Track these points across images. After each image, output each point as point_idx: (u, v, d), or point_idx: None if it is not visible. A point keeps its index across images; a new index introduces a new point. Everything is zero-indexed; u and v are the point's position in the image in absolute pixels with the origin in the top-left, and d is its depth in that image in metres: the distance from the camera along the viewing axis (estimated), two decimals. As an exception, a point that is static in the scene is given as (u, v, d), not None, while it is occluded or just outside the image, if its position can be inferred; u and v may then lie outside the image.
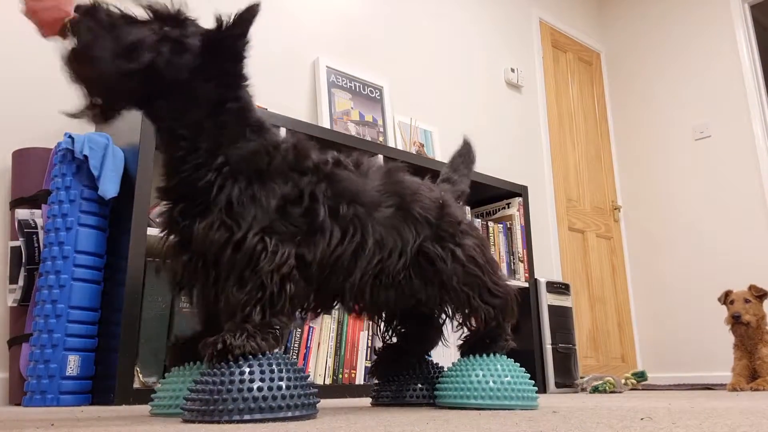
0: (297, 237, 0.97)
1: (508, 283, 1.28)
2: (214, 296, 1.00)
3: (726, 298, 2.68)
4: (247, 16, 0.97)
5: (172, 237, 1.01)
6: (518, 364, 1.20)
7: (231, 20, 0.98)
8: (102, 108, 0.95)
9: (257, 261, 0.92)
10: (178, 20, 0.97)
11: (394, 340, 1.39)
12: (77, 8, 0.91)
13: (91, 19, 0.91)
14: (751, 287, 2.64)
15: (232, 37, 0.98)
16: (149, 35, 0.93)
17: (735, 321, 2.59)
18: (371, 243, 1.06)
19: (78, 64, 0.91)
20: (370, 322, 2.25)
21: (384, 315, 1.35)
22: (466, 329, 1.27)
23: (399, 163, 1.23)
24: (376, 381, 1.40)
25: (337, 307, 1.17)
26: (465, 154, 1.50)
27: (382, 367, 1.38)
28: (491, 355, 1.20)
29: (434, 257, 1.16)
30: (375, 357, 1.41)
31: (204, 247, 0.95)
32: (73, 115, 0.94)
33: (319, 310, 1.15)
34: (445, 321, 1.34)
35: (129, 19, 0.94)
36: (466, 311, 1.22)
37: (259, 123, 1.03)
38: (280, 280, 0.93)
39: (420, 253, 1.16)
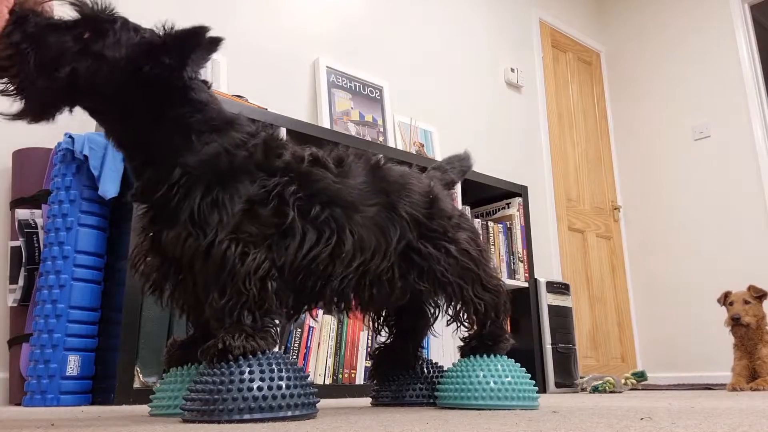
0: (267, 239, 0.94)
1: (499, 276, 1.27)
2: (195, 302, 0.99)
3: (725, 300, 2.67)
4: (192, 42, 0.91)
5: (144, 241, 1.00)
6: (519, 365, 1.20)
7: (174, 36, 0.91)
8: (31, 112, 0.92)
9: (232, 266, 0.90)
10: (102, 24, 0.90)
11: (383, 335, 1.38)
12: (11, 14, 0.87)
13: (19, 29, 0.87)
14: (750, 288, 2.62)
15: (173, 54, 0.91)
16: (70, 46, 0.88)
17: (735, 323, 2.57)
18: (350, 245, 1.02)
19: (4, 72, 0.87)
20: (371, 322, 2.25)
21: (374, 310, 1.34)
22: (459, 323, 1.27)
23: (381, 156, 1.18)
24: (377, 382, 1.40)
25: (323, 309, 1.14)
26: (463, 159, 1.48)
27: (381, 369, 1.38)
28: (492, 355, 1.20)
29: (426, 255, 1.14)
30: (372, 360, 1.40)
31: (175, 256, 0.94)
32: (8, 117, 0.92)
33: (301, 314, 1.11)
34: (436, 313, 1.33)
35: (54, 27, 0.89)
36: (459, 304, 1.22)
37: (221, 121, 0.99)
38: (259, 281, 0.91)
39: (411, 250, 1.14)
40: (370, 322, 1.37)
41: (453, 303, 1.22)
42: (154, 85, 0.93)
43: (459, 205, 2.59)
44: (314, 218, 1.00)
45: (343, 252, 1.02)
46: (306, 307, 1.10)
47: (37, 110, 0.91)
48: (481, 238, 1.30)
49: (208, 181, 0.94)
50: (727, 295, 2.68)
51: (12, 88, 0.87)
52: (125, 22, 0.93)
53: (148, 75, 0.91)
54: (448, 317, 1.27)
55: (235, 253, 0.90)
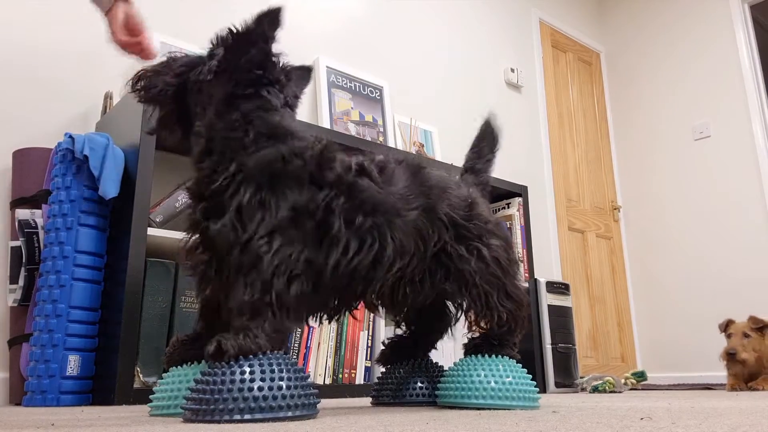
0: (306, 243, 0.98)
1: (523, 288, 1.28)
2: (225, 297, 1.01)
3: (726, 329, 2.49)
4: (263, 17, 1.05)
5: (194, 236, 1.04)
6: (520, 365, 1.20)
7: (250, 23, 1.05)
8: (161, 121, 1.13)
9: (261, 263, 0.93)
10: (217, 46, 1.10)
11: (400, 330, 1.40)
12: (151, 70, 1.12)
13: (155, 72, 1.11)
14: (750, 319, 2.42)
15: (247, 37, 1.05)
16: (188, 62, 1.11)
17: (730, 357, 2.38)
18: (390, 251, 1.07)
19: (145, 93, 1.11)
20: (370, 322, 2.25)
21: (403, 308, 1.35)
22: (476, 327, 1.27)
23: (421, 159, 1.22)
24: (379, 374, 1.41)
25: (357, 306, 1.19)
26: (488, 136, 1.46)
27: (387, 355, 1.40)
28: (494, 355, 1.20)
29: (459, 257, 1.17)
30: (383, 347, 1.42)
31: (217, 248, 0.98)
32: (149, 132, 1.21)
33: (342, 315, 1.16)
34: (457, 315, 1.34)
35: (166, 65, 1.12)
36: (483, 309, 1.22)
37: (282, 129, 1.04)
38: (286, 281, 0.93)
39: (444, 252, 1.17)
40: (392, 318, 1.38)
41: (475, 307, 1.22)
42: (237, 69, 1.06)
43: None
44: (358, 227, 1.04)
45: (384, 257, 1.06)
46: (347, 308, 1.16)
47: (166, 115, 1.14)
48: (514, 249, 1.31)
49: (259, 182, 0.98)
50: (728, 324, 2.49)
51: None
52: (210, 55, 1.10)
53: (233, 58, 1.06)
54: (469, 321, 1.28)
55: (269, 252, 0.93)
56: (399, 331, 1.42)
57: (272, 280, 0.92)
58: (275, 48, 1.10)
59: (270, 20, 1.06)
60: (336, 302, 1.11)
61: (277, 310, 0.93)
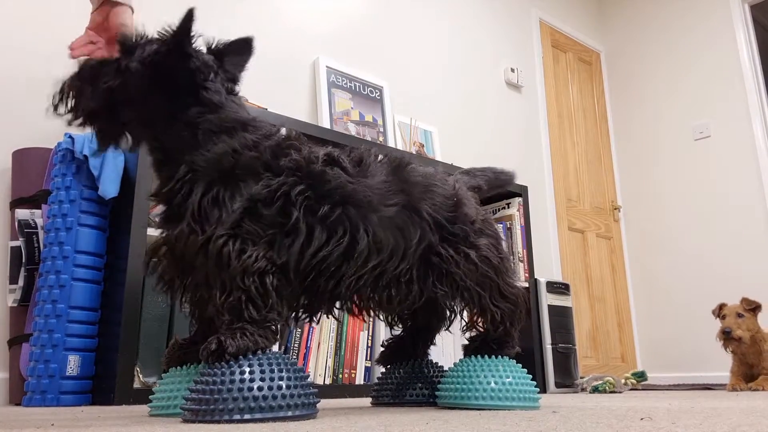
0: (267, 237, 0.95)
1: (518, 285, 1.26)
2: (200, 300, 1.01)
3: (719, 312, 2.60)
4: (182, 26, 0.98)
5: (157, 240, 1.04)
6: (520, 365, 1.20)
7: (171, 32, 0.99)
8: (99, 134, 1.06)
9: (227, 262, 0.91)
10: (132, 48, 1.02)
11: (397, 329, 1.39)
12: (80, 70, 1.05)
13: (78, 77, 1.04)
14: (743, 300, 2.54)
15: (169, 47, 1.00)
16: (108, 71, 1.02)
17: (725, 336, 2.50)
18: (364, 245, 1.02)
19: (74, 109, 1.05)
20: (371, 322, 2.25)
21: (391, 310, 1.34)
22: (474, 327, 1.27)
23: (407, 156, 1.18)
24: (379, 375, 1.41)
25: (339, 308, 1.14)
26: (502, 172, 1.47)
27: (387, 356, 1.39)
28: (494, 356, 1.20)
29: (446, 259, 1.13)
30: (382, 349, 1.41)
31: (180, 252, 0.97)
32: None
33: (317, 314, 1.11)
34: (451, 317, 1.33)
35: (103, 64, 1.04)
36: (475, 310, 1.21)
37: (235, 122, 1.02)
38: (258, 277, 0.91)
39: (431, 253, 1.13)
40: (384, 318, 1.37)
41: (469, 309, 1.22)
42: (166, 87, 1.01)
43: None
44: (323, 217, 0.99)
45: (356, 252, 1.01)
46: (322, 309, 1.09)
47: (103, 131, 1.06)
48: (504, 244, 1.29)
49: (210, 179, 0.97)
50: (721, 307, 2.61)
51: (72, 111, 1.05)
52: (150, 40, 1.02)
53: (158, 78, 1.00)
54: (464, 322, 1.27)
55: (232, 250, 0.91)
56: (397, 332, 1.42)
57: (243, 278, 0.91)
58: (193, 36, 1.01)
59: (180, 26, 0.99)
60: (306, 300, 1.05)
61: (259, 306, 0.91)
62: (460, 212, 1.18)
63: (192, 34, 0.99)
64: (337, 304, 1.12)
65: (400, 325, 1.38)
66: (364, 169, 1.08)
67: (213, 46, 1.07)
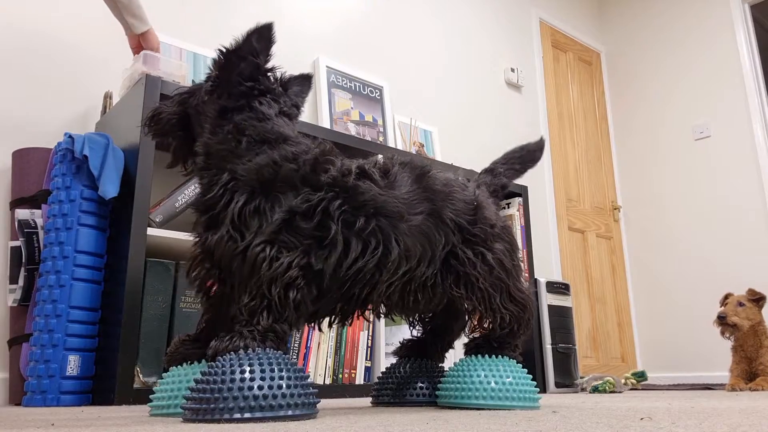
0: (303, 247, 0.98)
1: (528, 290, 1.28)
2: (227, 305, 1.05)
3: (724, 300, 2.63)
4: (252, 33, 1.07)
5: (196, 248, 1.06)
6: (520, 365, 1.20)
7: (239, 39, 1.08)
8: (174, 152, 1.19)
9: (260, 269, 0.94)
10: (197, 89, 1.16)
11: (417, 330, 1.40)
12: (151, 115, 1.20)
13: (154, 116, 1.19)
14: (749, 290, 2.57)
15: (236, 53, 1.08)
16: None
17: (720, 321, 2.51)
18: (396, 254, 1.06)
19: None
20: (371, 322, 2.25)
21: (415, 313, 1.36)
22: (479, 329, 1.28)
23: (426, 162, 1.21)
24: (379, 374, 1.41)
25: (371, 311, 1.20)
26: (529, 151, 1.46)
27: (406, 347, 1.40)
28: (494, 356, 1.20)
29: (464, 260, 1.17)
30: (400, 346, 1.42)
31: (217, 258, 1.00)
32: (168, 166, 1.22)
33: (349, 318, 1.16)
34: (469, 317, 1.34)
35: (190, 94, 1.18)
36: (486, 311, 1.22)
37: (277, 135, 1.05)
38: (283, 288, 0.94)
39: (451, 256, 1.17)
40: (406, 319, 1.38)
41: (479, 309, 1.22)
42: (223, 92, 1.09)
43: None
44: (360, 230, 1.03)
45: (389, 261, 1.06)
46: (356, 313, 1.15)
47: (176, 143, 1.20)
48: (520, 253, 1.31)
49: (252, 189, 1.00)
50: (727, 296, 2.64)
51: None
52: (207, 78, 1.13)
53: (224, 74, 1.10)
54: (472, 322, 1.29)
55: (267, 257, 0.95)
56: (416, 333, 1.43)
57: (270, 286, 0.94)
58: (271, 61, 1.12)
59: (259, 35, 1.07)
60: (341, 307, 1.11)
61: (273, 313, 0.94)
62: (479, 215, 1.21)
63: (266, 41, 1.09)
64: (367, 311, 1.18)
65: (421, 327, 1.40)
66: (391, 180, 1.12)
67: (277, 76, 1.15)
